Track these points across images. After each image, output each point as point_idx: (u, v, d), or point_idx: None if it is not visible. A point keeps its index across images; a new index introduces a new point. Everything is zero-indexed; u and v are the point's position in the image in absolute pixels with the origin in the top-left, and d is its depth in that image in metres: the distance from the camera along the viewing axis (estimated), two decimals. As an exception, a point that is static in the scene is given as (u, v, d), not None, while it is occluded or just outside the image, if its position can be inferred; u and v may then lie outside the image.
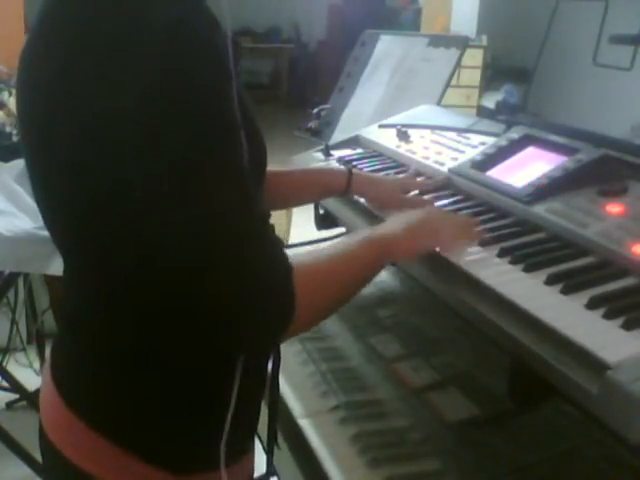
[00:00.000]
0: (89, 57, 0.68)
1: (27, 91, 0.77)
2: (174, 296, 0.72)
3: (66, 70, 0.69)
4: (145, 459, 0.78)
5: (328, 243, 0.80)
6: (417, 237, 0.89)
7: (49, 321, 2.51)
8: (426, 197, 1.16)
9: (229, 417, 0.80)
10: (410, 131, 1.45)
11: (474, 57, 4.89)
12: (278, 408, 1.02)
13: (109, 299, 0.78)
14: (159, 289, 0.73)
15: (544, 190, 1.02)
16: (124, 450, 0.78)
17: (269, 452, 1.01)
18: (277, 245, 0.72)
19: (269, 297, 0.69)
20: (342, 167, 1.25)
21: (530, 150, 1.16)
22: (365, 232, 0.85)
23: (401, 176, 1.25)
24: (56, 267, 1.71)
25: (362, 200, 1.20)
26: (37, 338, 2.55)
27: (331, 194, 1.20)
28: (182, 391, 0.79)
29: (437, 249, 0.93)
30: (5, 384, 2.39)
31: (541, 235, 0.97)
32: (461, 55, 1.90)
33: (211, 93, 0.67)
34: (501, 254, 0.91)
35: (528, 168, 1.10)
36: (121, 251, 0.73)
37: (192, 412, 0.81)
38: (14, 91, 0.81)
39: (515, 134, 1.20)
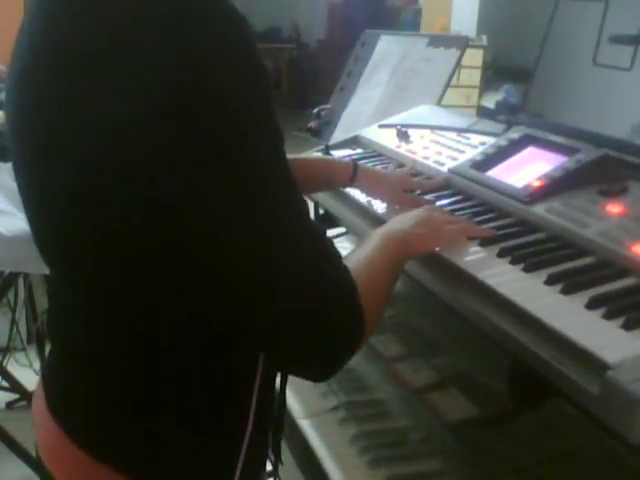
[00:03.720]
0: (101, 60, 0.60)
1: (23, 97, 0.71)
2: (228, 327, 0.67)
3: (75, 74, 0.63)
4: None
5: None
6: (424, 235, 0.89)
7: (49, 321, 2.50)
8: (427, 197, 1.16)
9: (243, 449, 0.77)
10: (410, 131, 1.45)
11: (474, 57, 4.90)
12: (284, 424, 0.96)
13: (131, 336, 0.71)
14: (205, 321, 0.67)
15: (544, 190, 1.02)
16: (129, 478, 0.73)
17: (274, 467, 0.97)
18: (341, 261, 0.69)
19: (346, 317, 0.67)
20: (347, 159, 1.26)
21: (530, 150, 1.16)
22: (377, 233, 0.84)
23: (403, 169, 1.25)
24: (56, 267, 1.70)
25: (362, 200, 1.20)
26: (37, 338, 2.54)
27: (336, 185, 1.20)
28: (193, 422, 0.75)
29: (437, 249, 0.93)
30: (5, 384, 2.40)
31: (541, 235, 0.97)
32: (461, 55, 1.90)
33: (254, 96, 0.62)
34: (501, 254, 0.91)
35: (528, 168, 1.10)
36: (155, 280, 0.65)
37: (202, 441, 0.75)
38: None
39: (515, 134, 1.20)
